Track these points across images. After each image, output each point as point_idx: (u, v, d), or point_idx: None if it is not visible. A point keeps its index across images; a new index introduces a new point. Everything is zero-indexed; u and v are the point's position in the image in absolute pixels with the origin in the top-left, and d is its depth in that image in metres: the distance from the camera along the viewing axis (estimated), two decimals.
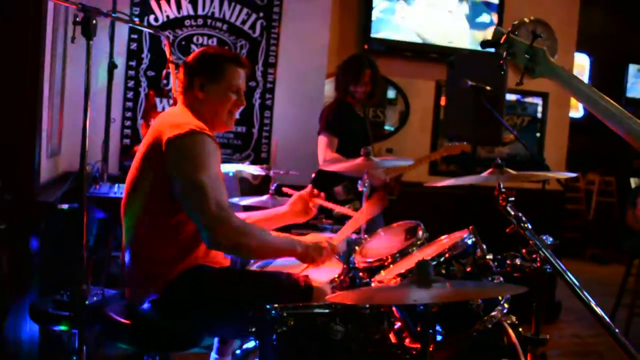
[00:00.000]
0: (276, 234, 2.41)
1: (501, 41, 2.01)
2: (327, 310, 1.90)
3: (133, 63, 4.28)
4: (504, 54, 2.01)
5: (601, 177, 8.75)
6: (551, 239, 1.93)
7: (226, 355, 2.93)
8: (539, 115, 6.06)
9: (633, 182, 7.28)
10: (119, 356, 3.22)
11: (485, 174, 2.03)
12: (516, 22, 2.15)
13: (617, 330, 1.74)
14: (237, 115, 2.53)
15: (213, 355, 2.92)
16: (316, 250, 2.34)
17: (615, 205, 8.77)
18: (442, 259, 2.09)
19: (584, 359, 4.55)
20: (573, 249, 7.67)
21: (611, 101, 1.88)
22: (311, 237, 2.47)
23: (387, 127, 5.70)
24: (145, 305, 2.29)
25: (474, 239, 2.16)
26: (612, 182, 8.82)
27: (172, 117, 2.34)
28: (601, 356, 4.64)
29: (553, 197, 5.38)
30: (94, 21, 2.18)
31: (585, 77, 8.42)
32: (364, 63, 4.03)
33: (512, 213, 1.91)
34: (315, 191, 2.77)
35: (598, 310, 1.76)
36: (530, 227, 1.90)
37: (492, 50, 2.15)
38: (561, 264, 1.83)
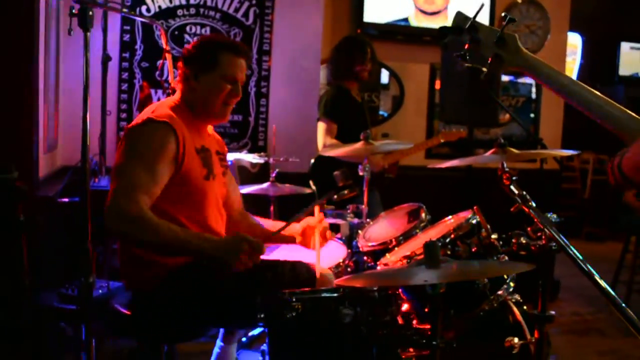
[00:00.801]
0: (186, 232, 2.17)
1: (465, 27, 1.70)
2: (335, 294, 1.90)
3: (127, 55, 4.26)
4: (467, 42, 1.72)
5: (596, 156, 8.77)
6: (555, 217, 1.94)
7: (232, 343, 2.94)
8: (533, 95, 6.07)
9: None
10: (125, 349, 3.22)
11: (488, 153, 2.04)
12: (482, 5, 1.82)
13: (623, 305, 1.75)
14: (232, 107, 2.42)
15: (218, 342, 2.93)
16: (230, 252, 2.08)
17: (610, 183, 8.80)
18: (447, 240, 2.10)
19: (583, 336, 4.58)
20: (569, 228, 7.70)
21: (590, 89, 1.70)
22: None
23: (381, 112, 5.70)
24: (150, 297, 2.29)
25: (478, 219, 2.17)
26: (607, 160, 8.85)
27: (149, 108, 2.32)
28: (601, 332, 4.68)
29: (550, 176, 5.39)
30: (91, 13, 2.15)
31: (577, 56, 8.43)
32: (364, 41, 4.04)
33: (517, 192, 1.91)
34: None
35: (602, 283, 1.77)
36: (534, 205, 1.90)
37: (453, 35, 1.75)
38: (566, 241, 1.84)
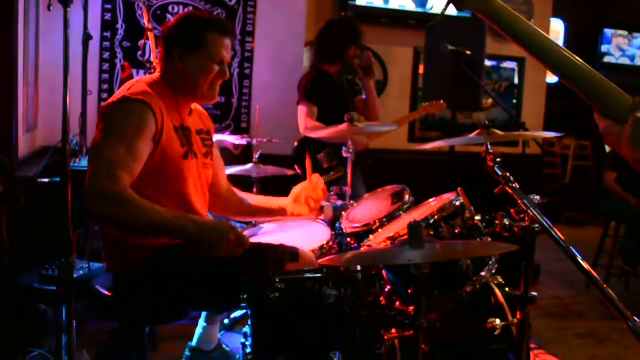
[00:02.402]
0: (169, 212, 2.11)
1: None
2: (319, 275, 1.90)
3: (108, 34, 4.19)
4: None
5: (577, 142, 8.83)
6: (538, 198, 1.95)
7: (214, 324, 2.94)
8: (516, 80, 6.09)
9: (607, 146, 7.33)
10: (106, 331, 3.20)
11: (473, 135, 2.03)
12: None
13: (605, 286, 1.75)
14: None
15: (201, 323, 2.92)
16: (215, 236, 2.04)
17: (590, 169, 8.88)
18: (431, 221, 2.10)
19: (563, 319, 4.64)
20: (549, 213, 7.74)
21: (553, 40, 1.49)
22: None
23: (364, 96, 5.67)
24: (132, 278, 2.27)
25: (462, 201, 2.17)
26: (588, 146, 8.92)
27: (125, 86, 2.25)
28: (580, 315, 4.74)
29: (532, 161, 5.43)
30: None
31: (560, 42, 8.45)
32: (358, 26, 4.02)
33: (500, 173, 1.92)
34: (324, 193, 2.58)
35: (585, 265, 1.77)
36: (518, 186, 1.90)
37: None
38: (549, 222, 1.85)
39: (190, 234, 2.04)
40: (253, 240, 2.60)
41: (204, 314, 2.90)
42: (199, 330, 2.93)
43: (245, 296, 1.93)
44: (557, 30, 8.33)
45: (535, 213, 1.86)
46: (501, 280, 2.43)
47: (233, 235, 2.05)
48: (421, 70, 5.56)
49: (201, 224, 2.06)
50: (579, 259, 1.78)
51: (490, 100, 5.75)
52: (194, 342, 2.94)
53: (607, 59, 8.51)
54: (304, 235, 2.68)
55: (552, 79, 8.09)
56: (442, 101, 4.18)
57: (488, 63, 5.90)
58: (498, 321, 2.21)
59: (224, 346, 3.07)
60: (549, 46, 1.47)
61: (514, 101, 6.05)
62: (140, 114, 2.11)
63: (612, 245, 5.26)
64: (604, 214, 5.56)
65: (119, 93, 2.21)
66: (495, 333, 2.20)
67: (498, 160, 1.93)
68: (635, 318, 1.53)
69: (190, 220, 2.06)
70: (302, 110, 3.89)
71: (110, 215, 1.99)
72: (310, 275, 1.91)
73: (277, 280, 1.87)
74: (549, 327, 4.38)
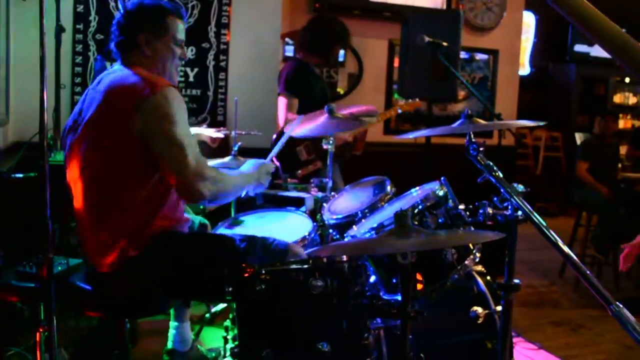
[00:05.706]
0: (231, 173, 2.45)
1: None
2: (305, 266, 1.89)
3: (80, 26, 4.11)
4: None
5: (548, 133, 8.94)
6: (522, 187, 1.96)
7: (185, 321, 2.94)
8: (489, 72, 6.13)
9: (578, 137, 7.44)
10: (84, 327, 3.16)
11: (456, 124, 2.04)
12: None
13: (588, 272, 1.77)
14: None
15: (173, 323, 2.91)
16: (264, 176, 2.52)
17: (561, 159, 9.00)
18: (415, 211, 2.10)
19: (538, 308, 4.71)
20: None
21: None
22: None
23: (339, 89, 5.67)
24: (115, 273, 2.24)
25: (445, 190, 2.17)
26: (559, 137, 9.04)
27: (130, 77, 2.21)
28: (555, 304, 4.81)
29: (506, 152, 5.48)
30: None
31: (531, 35, 8.56)
32: (346, 26, 4.04)
33: (483, 162, 1.92)
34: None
35: (566, 249, 1.79)
36: (501, 175, 1.91)
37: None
38: (531, 209, 1.86)
39: (252, 183, 2.45)
40: (235, 232, 2.60)
41: (172, 313, 2.89)
42: (171, 332, 2.92)
43: (230, 289, 1.92)
44: (528, 22, 8.42)
45: (519, 201, 1.87)
46: (483, 269, 2.45)
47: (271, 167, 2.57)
48: (396, 63, 5.57)
49: (254, 175, 2.46)
50: (560, 243, 1.80)
51: (462, 93, 5.79)
52: (169, 345, 2.92)
53: (577, 49, 8.62)
54: (285, 226, 2.67)
55: (522, 71, 8.19)
56: (417, 99, 4.23)
57: (462, 55, 5.94)
58: (481, 309, 2.23)
59: (199, 347, 3.07)
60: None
61: (488, 92, 6.10)
62: (180, 99, 2.21)
63: (584, 234, 5.36)
64: (575, 204, 5.64)
65: (149, 83, 2.17)
66: (478, 322, 2.22)
67: (481, 149, 1.94)
68: (618, 303, 1.56)
69: (248, 178, 2.44)
70: (281, 102, 3.89)
71: (215, 192, 2.19)
72: (296, 267, 1.90)
73: (263, 272, 1.86)
74: (524, 315, 4.44)
